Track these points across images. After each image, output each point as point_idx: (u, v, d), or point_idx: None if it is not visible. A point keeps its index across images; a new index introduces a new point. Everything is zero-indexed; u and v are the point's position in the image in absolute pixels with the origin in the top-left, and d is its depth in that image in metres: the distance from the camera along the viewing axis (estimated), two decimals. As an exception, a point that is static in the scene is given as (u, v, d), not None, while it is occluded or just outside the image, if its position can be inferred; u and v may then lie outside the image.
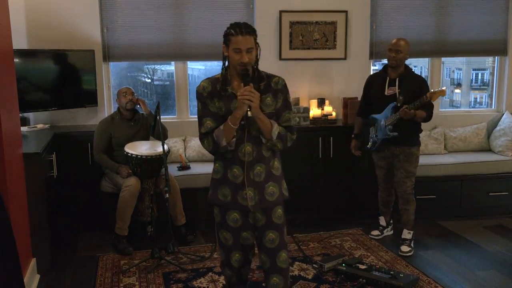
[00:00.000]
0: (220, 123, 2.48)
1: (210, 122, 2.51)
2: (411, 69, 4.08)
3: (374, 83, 4.13)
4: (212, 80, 2.55)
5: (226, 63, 2.53)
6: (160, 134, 3.79)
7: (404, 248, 3.98)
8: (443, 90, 3.76)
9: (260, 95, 2.41)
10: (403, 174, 4.01)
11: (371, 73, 5.36)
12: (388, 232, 4.40)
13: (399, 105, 3.86)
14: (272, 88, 2.51)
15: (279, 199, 2.58)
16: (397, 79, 3.96)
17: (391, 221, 4.41)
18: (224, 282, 3.44)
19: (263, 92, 2.48)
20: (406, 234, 4.07)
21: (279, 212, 2.58)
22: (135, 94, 4.35)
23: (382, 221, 4.39)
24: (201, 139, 2.54)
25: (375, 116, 4.10)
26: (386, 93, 3.99)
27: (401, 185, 4.04)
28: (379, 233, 4.35)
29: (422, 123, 4.04)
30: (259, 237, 2.58)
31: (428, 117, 3.92)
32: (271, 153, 2.56)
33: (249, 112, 2.39)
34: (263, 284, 3.14)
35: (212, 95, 2.50)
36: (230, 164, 2.52)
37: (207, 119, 2.51)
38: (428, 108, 3.88)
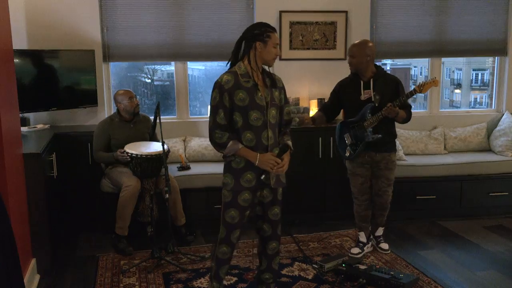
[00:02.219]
0: (228, 117, 2.79)
1: (223, 113, 2.78)
2: (383, 69, 3.90)
3: (346, 90, 3.90)
4: (233, 74, 2.82)
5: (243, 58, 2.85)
6: (161, 134, 3.79)
7: (385, 245, 3.98)
8: (434, 80, 3.59)
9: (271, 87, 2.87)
10: (385, 183, 3.87)
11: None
12: (369, 248, 4.03)
13: (377, 105, 3.68)
14: (277, 85, 2.92)
15: (285, 182, 2.99)
16: (371, 80, 3.77)
17: (371, 236, 4.08)
18: (224, 283, 3.45)
19: (272, 86, 2.88)
20: (381, 231, 4.04)
21: (281, 191, 2.99)
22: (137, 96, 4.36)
23: (363, 237, 4.02)
24: (213, 128, 2.81)
25: (348, 121, 3.91)
26: (362, 97, 3.77)
27: (382, 195, 3.89)
28: (360, 251, 3.94)
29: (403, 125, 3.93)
30: (264, 211, 2.95)
31: (409, 117, 3.79)
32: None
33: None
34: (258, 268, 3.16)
35: (236, 87, 2.78)
36: (254, 151, 2.80)
37: (221, 110, 2.79)
38: (408, 109, 3.78)
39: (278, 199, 2.97)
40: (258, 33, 2.80)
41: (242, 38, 2.86)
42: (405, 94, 3.67)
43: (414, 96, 3.77)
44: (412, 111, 3.86)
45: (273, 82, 2.90)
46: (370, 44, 3.83)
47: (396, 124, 3.89)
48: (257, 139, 2.81)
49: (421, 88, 3.63)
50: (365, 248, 4.01)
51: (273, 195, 2.93)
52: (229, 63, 2.90)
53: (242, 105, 2.77)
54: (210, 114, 2.84)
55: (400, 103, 3.64)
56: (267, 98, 2.82)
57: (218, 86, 2.78)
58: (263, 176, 2.81)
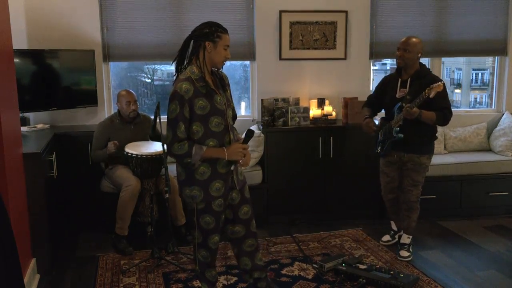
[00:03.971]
0: (188, 127, 2.67)
1: (184, 126, 2.66)
2: (428, 69, 3.85)
3: (387, 85, 3.93)
4: (189, 81, 2.66)
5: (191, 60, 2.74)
6: (161, 135, 3.79)
7: (403, 253, 3.91)
8: (439, 84, 3.54)
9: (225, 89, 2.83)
10: (409, 183, 3.88)
11: (371, 73, 5.39)
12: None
13: (404, 105, 3.67)
14: (226, 83, 2.87)
15: (245, 178, 2.97)
16: (409, 79, 3.78)
17: (396, 230, 4.21)
18: (224, 283, 3.46)
19: (223, 86, 2.81)
20: (405, 239, 3.99)
21: (247, 188, 2.95)
22: (137, 101, 4.31)
23: (394, 225, 4.19)
24: (173, 141, 2.65)
25: (384, 118, 3.96)
26: (397, 95, 3.80)
27: (406, 193, 3.92)
28: (390, 239, 4.15)
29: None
30: (234, 213, 2.90)
31: (441, 120, 3.70)
32: None
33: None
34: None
35: (195, 96, 2.65)
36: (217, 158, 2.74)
37: (182, 123, 2.65)
38: (442, 110, 3.68)
39: (246, 197, 2.92)
40: (208, 32, 2.65)
41: (191, 37, 2.71)
42: (418, 98, 3.58)
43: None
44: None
45: (222, 82, 2.81)
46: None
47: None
48: (220, 145, 2.73)
49: (430, 91, 3.54)
50: (396, 236, 4.14)
51: (241, 195, 2.89)
52: (175, 62, 2.76)
53: (202, 114, 2.66)
54: (168, 128, 2.66)
55: (416, 105, 3.57)
56: (223, 100, 2.75)
57: (179, 97, 2.61)
58: (233, 167, 2.76)
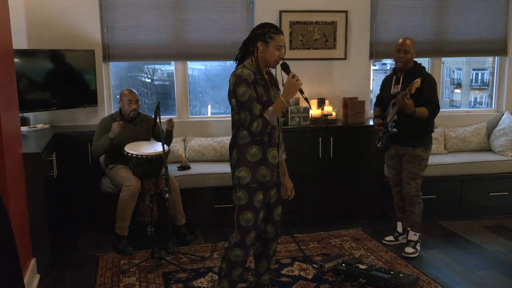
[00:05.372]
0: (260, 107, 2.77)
1: (258, 105, 2.74)
2: (422, 66, 3.96)
3: (385, 84, 4.11)
4: (248, 69, 2.78)
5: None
6: (161, 134, 3.79)
7: (408, 249, 3.93)
8: (417, 81, 3.63)
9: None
10: (407, 176, 3.95)
11: (371, 73, 5.39)
12: (403, 240, 4.17)
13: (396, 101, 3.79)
14: (278, 85, 2.97)
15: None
16: (402, 76, 3.91)
17: (409, 228, 4.13)
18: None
19: (276, 86, 2.94)
20: (412, 235, 4.01)
21: (282, 190, 3.02)
22: (139, 100, 4.31)
23: (399, 227, 4.21)
24: (252, 121, 2.73)
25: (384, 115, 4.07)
26: (392, 92, 3.95)
27: (405, 186, 3.98)
28: (393, 239, 4.19)
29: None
30: (270, 212, 2.95)
31: (430, 114, 3.79)
32: None
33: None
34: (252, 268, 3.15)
35: (255, 82, 2.76)
36: (268, 146, 2.82)
37: (256, 103, 2.74)
38: (429, 104, 3.77)
39: (281, 198, 3.01)
40: (260, 33, 2.79)
41: (248, 37, 2.88)
42: (404, 91, 3.70)
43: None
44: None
45: (277, 83, 2.94)
46: None
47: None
48: (271, 137, 2.82)
49: (411, 87, 3.65)
50: (400, 238, 4.17)
51: (277, 195, 2.96)
52: (236, 60, 2.91)
53: (262, 101, 2.76)
54: (243, 111, 2.73)
55: (405, 95, 3.67)
56: (276, 97, 2.85)
57: (244, 80, 2.72)
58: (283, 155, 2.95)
